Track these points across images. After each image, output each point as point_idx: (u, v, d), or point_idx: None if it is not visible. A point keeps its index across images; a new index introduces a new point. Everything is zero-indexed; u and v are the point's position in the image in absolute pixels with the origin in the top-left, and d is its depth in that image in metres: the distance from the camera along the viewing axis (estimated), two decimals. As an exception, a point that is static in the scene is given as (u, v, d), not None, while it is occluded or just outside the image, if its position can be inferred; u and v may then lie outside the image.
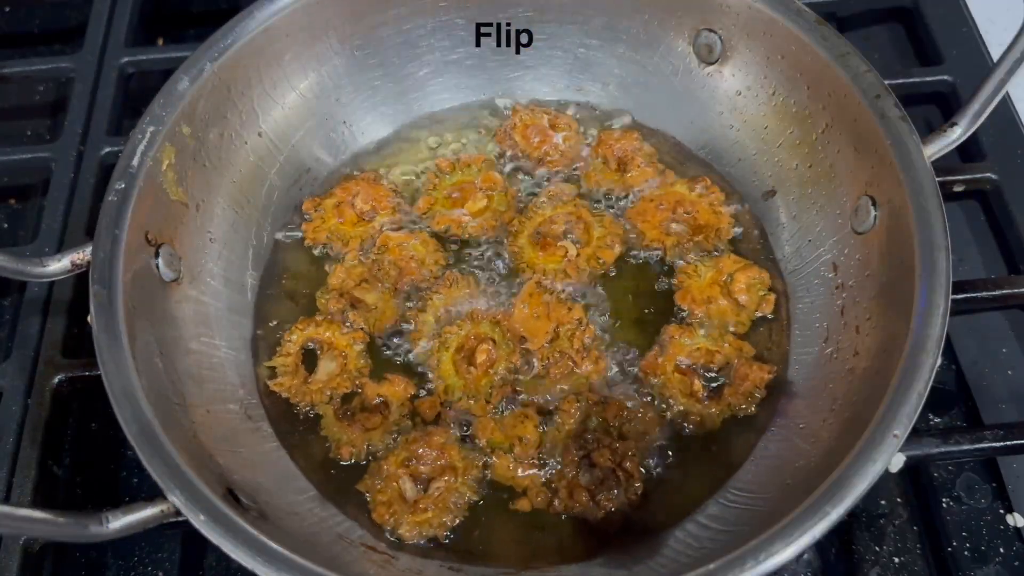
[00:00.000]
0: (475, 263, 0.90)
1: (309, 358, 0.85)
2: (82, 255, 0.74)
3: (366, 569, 0.70)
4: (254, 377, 0.84)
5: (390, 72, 0.98)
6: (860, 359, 0.74)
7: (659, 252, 0.89)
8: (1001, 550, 0.78)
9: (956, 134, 0.76)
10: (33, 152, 1.01)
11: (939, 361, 0.65)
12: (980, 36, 1.04)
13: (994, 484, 0.81)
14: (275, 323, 0.87)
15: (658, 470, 0.77)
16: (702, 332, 0.83)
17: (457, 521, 0.75)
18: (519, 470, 0.77)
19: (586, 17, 0.96)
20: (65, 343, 0.85)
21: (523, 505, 0.76)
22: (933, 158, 0.75)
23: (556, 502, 0.75)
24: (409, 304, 0.87)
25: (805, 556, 0.78)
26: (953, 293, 0.68)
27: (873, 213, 0.77)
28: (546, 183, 0.95)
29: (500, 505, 0.76)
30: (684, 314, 0.85)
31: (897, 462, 0.72)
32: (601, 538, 0.74)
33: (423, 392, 0.82)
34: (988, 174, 0.93)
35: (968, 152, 0.95)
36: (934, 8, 1.07)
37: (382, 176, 0.95)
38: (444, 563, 0.73)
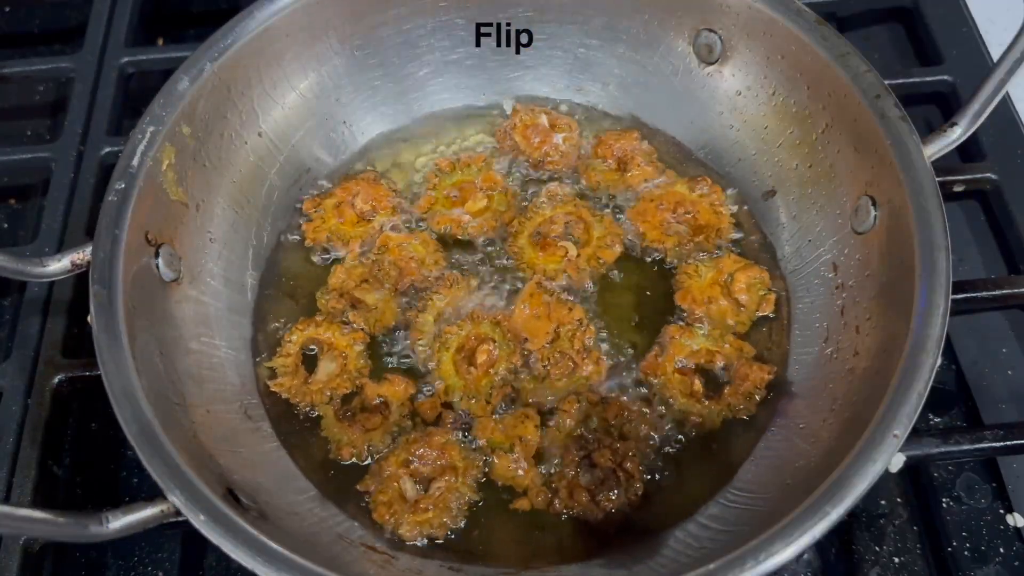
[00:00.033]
0: (476, 264, 0.90)
1: (309, 359, 0.85)
2: (82, 255, 0.74)
3: (366, 569, 0.70)
4: (254, 377, 0.84)
5: (390, 72, 0.98)
6: (860, 359, 0.74)
7: (660, 252, 0.89)
8: (1001, 550, 0.78)
9: (956, 134, 0.76)
10: (33, 152, 1.01)
11: (939, 361, 0.65)
12: (980, 36, 1.04)
13: (994, 484, 0.81)
14: (275, 323, 0.87)
15: (658, 470, 0.77)
16: (702, 332, 0.83)
17: (458, 521, 0.75)
18: (519, 470, 0.77)
19: (586, 17, 0.96)
20: (65, 343, 0.85)
21: (523, 505, 0.76)
22: (933, 158, 0.75)
23: (556, 502, 0.75)
24: (409, 305, 0.87)
25: (805, 556, 0.78)
26: (953, 293, 0.68)
27: (873, 213, 0.77)
28: (546, 183, 0.95)
29: (500, 505, 0.76)
30: (684, 314, 0.85)
31: (897, 462, 0.71)
32: (601, 538, 0.74)
33: (423, 392, 0.82)
34: (988, 174, 0.93)
35: (968, 152, 0.95)
36: (934, 8, 1.07)
37: (382, 176, 0.95)
38: (444, 563, 0.73)
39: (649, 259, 0.89)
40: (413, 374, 0.83)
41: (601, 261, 0.88)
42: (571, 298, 0.86)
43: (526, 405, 0.81)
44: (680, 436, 0.79)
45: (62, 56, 1.10)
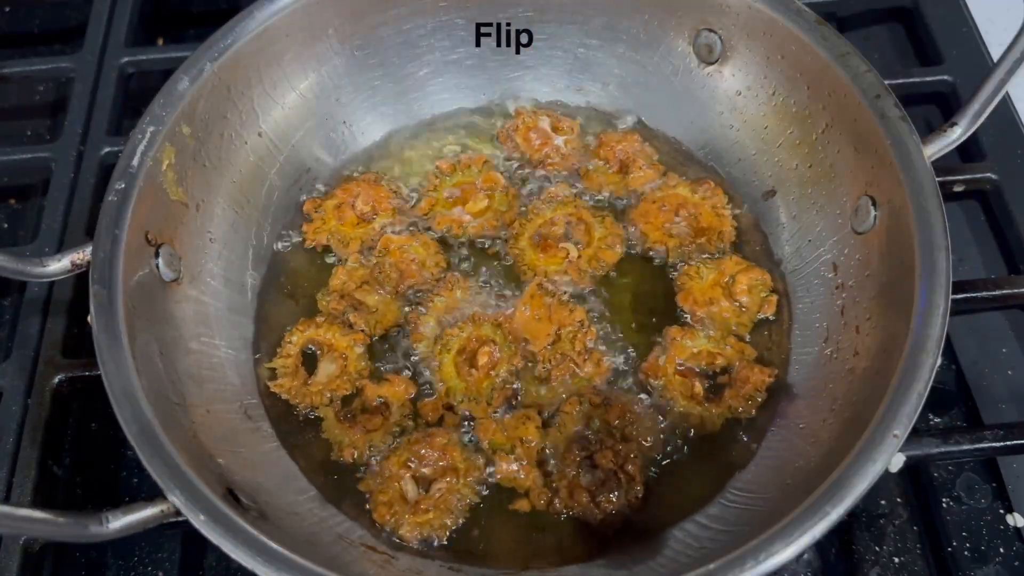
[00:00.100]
0: (476, 265, 0.90)
1: (310, 359, 0.85)
2: (82, 255, 0.74)
3: (366, 569, 0.70)
4: (254, 377, 0.84)
5: (390, 72, 0.98)
6: (860, 359, 0.74)
7: (661, 254, 0.89)
8: (1001, 550, 0.78)
9: (956, 134, 0.76)
10: (33, 152, 1.01)
11: (939, 361, 0.65)
12: (980, 36, 1.04)
13: (994, 484, 0.81)
14: (275, 323, 0.87)
15: (659, 471, 0.77)
16: (703, 334, 0.83)
17: (458, 522, 0.75)
18: (520, 471, 0.77)
19: (586, 17, 0.96)
20: (65, 343, 0.85)
21: (522, 505, 0.76)
22: (933, 158, 0.75)
23: (556, 502, 0.75)
24: (410, 306, 0.87)
25: (805, 556, 0.78)
26: (953, 293, 0.68)
27: (873, 213, 0.77)
28: (547, 185, 0.95)
29: (500, 506, 0.76)
30: (686, 316, 0.85)
31: (897, 462, 0.72)
32: (601, 539, 0.74)
33: (423, 393, 0.82)
34: (988, 174, 0.93)
35: (968, 152, 0.95)
36: (934, 8, 1.07)
37: (382, 178, 0.95)
38: (444, 563, 0.73)
39: (650, 260, 0.89)
40: (414, 375, 0.83)
41: (602, 262, 0.88)
42: (572, 299, 0.86)
43: (527, 407, 0.80)
44: (681, 437, 0.79)
45: (62, 56, 1.10)
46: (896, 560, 0.78)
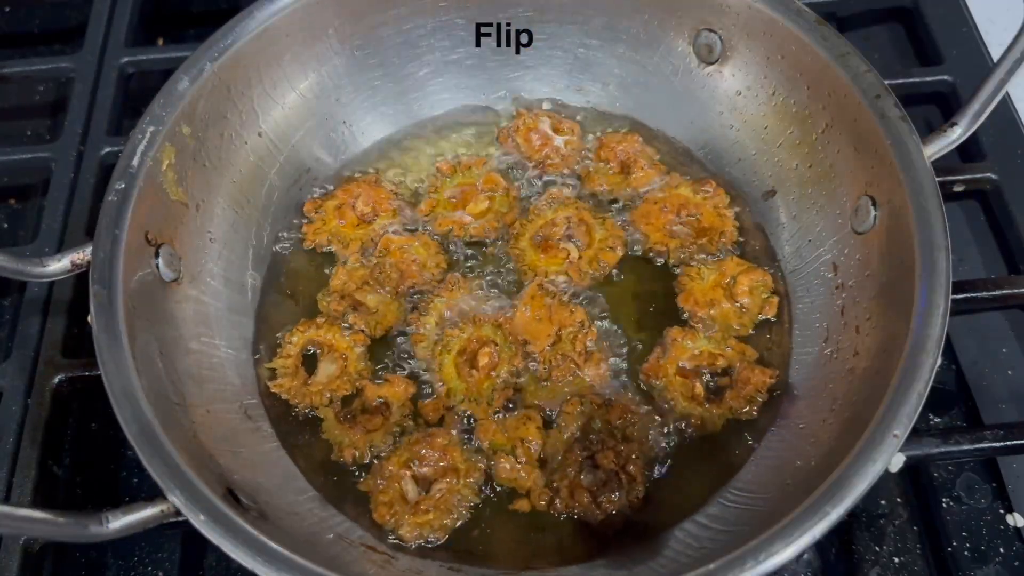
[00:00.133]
0: (477, 266, 0.90)
1: (310, 360, 0.85)
2: (82, 255, 0.74)
3: (366, 569, 0.70)
4: (254, 377, 0.84)
5: (390, 72, 0.98)
6: (860, 359, 0.74)
7: (662, 254, 0.89)
8: (1001, 550, 0.78)
9: (956, 134, 0.76)
10: (33, 152, 1.01)
11: (939, 361, 0.65)
12: (980, 36, 1.04)
13: (994, 484, 0.81)
14: (275, 324, 0.87)
15: (659, 472, 0.77)
16: (704, 335, 0.83)
17: (458, 523, 0.75)
18: (521, 472, 0.77)
19: (586, 17, 0.96)
20: (65, 343, 0.85)
21: (523, 505, 0.76)
22: (933, 158, 0.75)
23: (557, 502, 0.75)
24: (411, 307, 0.87)
25: (805, 556, 0.78)
26: (953, 293, 0.68)
27: (873, 213, 0.77)
28: (548, 186, 0.95)
29: (500, 506, 0.76)
30: (686, 317, 0.85)
31: (897, 462, 0.72)
32: (601, 539, 0.74)
33: (424, 393, 0.82)
34: (988, 174, 0.93)
35: (968, 152, 0.95)
36: (934, 8, 1.07)
37: (383, 179, 0.95)
38: (444, 564, 0.73)
39: (652, 261, 0.89)
40: (414, 376, 0.83)
41: (603, 263, 0.88)
42: (572, 300, 0.86)
43: (528, 407, 0.80)
44: (681, 438, 0.79)
45: (62, 56, 1.10)
46: (896, 560, 0.78)
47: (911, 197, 0.72)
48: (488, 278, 0.89)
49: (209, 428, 0.73)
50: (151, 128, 0.79)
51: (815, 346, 0.81)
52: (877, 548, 0.79)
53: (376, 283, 0.88)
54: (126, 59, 1.07)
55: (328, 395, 0.82)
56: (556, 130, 0.97)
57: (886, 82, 0.78)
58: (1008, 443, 0.75)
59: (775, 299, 0.85)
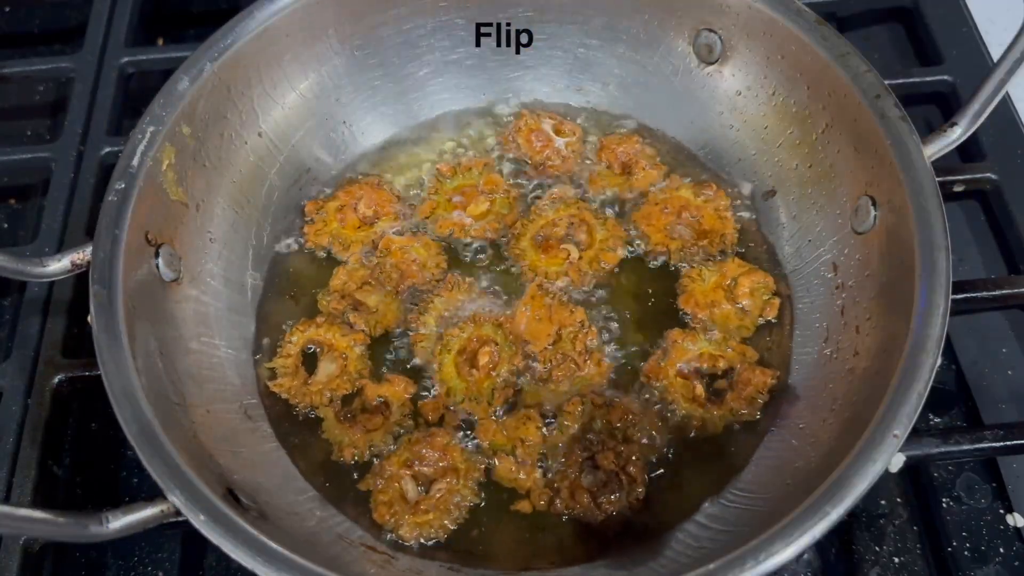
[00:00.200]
0: (477, 266, 0.90)
1: (310, 359, 0.85)
2: (82, 255, 0.74)
3: (366, 569, 0.70)
4: (254, 377, 0.84)
5: (390, 72, 0.98)
6: (860, 359, 0.74)
7: (663, 256, 0.89)
8: (1001, 550, 0.78)
9: (956, 134, 0.76)
10: (33, 152, 1.01)
11: (939, 361, 0.65)
12: (980, 36, 1.04)
13: (994, 484, 0.81)
14: (275, 323, 0.87)
15: (659, 472, 0.77)
16: (705, 336, 0.83)
17: (458, 523, 0.75)
18: (521, 472, 0.77)
19: (586, 17, 0.96)
20: (65, 343, 0.85)
21: (523, 506, 0.76)
22: (933, 158, 0.75)
23: (557, 502, 0.75)
24: (411, 307, 0.87)
25: (805, 556, 0.78)
26: (953, 293, 0.68)
27: (873, 213, 0.77)
28: (549, 187, 0.95)
29: (501, 506, 0.76)
30: (687, 318, 0.85)
31: (897, 462, 0.72)
32: (602, 540, 0.74)
33: (424, 392, 0.82)
34: (988, 174, 0.93)
35: (968, 152, 0.95)
36: (934, 8, 1.07)
37: (384, 180, 0.95)
38: (444, 564, 0.73)
39: (652, 262, 0.89)
40: (414, 375, 0.83)
41: (603, 264, 0.88)
42: (573, 300, 0.86)
43: (528, 407, 0.80)
44: (682, 439, 0.79)
45: (62, 56, 1.10)
46: (896, 560, 0.78)
47: (911, 197, 0.72)
48: (488, 278, 0.89)
49: (209, 428, 0.73)
50: (151, 128, 0.79)
51: (815, 346, 0.81)
52: (877, 548, 0.79)
53: (376, 283, 0.88)
54: (126, 59, 1.07)
55: (328, 394, 0.82)
56: (558, 132, 0.97)
57: (886, 82, 0.78)
58: (1008, 443, 0.75)
59: (776, 301, 0.85)
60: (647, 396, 0.81)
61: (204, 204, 0.85)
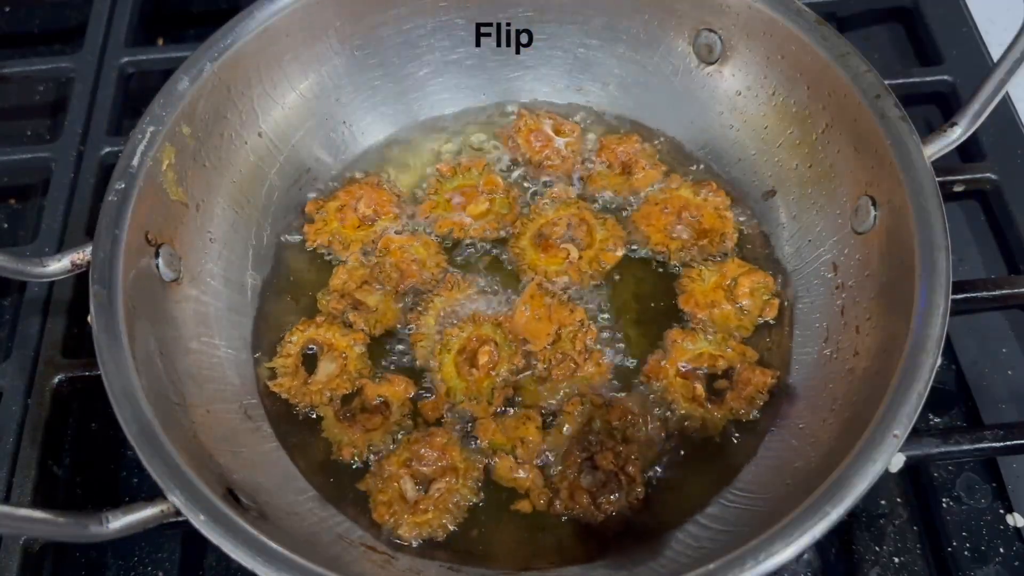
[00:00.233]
0: (477, 266, 0.90)
1: (310, 359, 0.85)
2: (82, 255, 0.74)
3: (366, 569, 0.70)
4: (254, 377, 0.84)
5: (390, 72, 0.98)
6: (860, 359, 0.74)
7: (663, 255, 0.89)
8: (1001, 550, 0.78)
9: (956, 134, 0.76)
10: (33, 152, 1.01)
11: (939, 361, 0.65)
12: (980, 36, 1.04)
13: (994, 484, 0.81)
14: (275, 323, 0.87)
15: (659, 473, 0.77)
16: (705, 336, 0.83)
17: (457, 523, 0.75)
18: (521, 472, 0.77)
19: (586, 17, 0.96)
20: (65, 343, 0.85)
21: (523, 506, 0.76)
22: (933, 158, 0.75)
23: (557, 503, 0.75)
24: (410, 306, 0.87)
25: (805, 556, 0.78)
26: (953, 293, 0.67)
27: (873, 213, 0.77)
28: (549, 187, 0.95)
29: (500, 506, 0.76)
30: (687, 318, 0.85)
31: (897, 462, 0.72)
32: (601, 540, 0.74)
33: (423, 392, 0.82)
34: (988, 174, 0.93)
35: (968, 152, 0.95)
36: (934, 8, 1.07)
37: (385, 180, 0.95)
38: (444, 564, 0.73)
39: (652, 262, 0.89)
40: (414, 375, 0.83)
41: (603, 264, 0.88)
42: (572, 300, 0.86)
43: (528, 407, 0.80)
44: (682, 439, 0.79)
45: (62, 56, 1.10)
46: (896, 560, 0.78)
47: (911, 197, 0.72)
48: (488, 277, 0.89)
49: (209, 428, 0.73)
50: (151, 128, 0.79)
51: (815, 346, 0.81)
52: (877, 548, 0.79)
53: (376, 282, 0.88)
54: (126, 59, 1.07)
55: (328, 394, 0.82)
56: (557, 131, 0.97)
57: (886, 82, 0.78)
58: (1008, 443, 0.75)
59: (775, 301, 0.85)
60: (647, 396, 0.81)
61: (204, 204, 0.85)
